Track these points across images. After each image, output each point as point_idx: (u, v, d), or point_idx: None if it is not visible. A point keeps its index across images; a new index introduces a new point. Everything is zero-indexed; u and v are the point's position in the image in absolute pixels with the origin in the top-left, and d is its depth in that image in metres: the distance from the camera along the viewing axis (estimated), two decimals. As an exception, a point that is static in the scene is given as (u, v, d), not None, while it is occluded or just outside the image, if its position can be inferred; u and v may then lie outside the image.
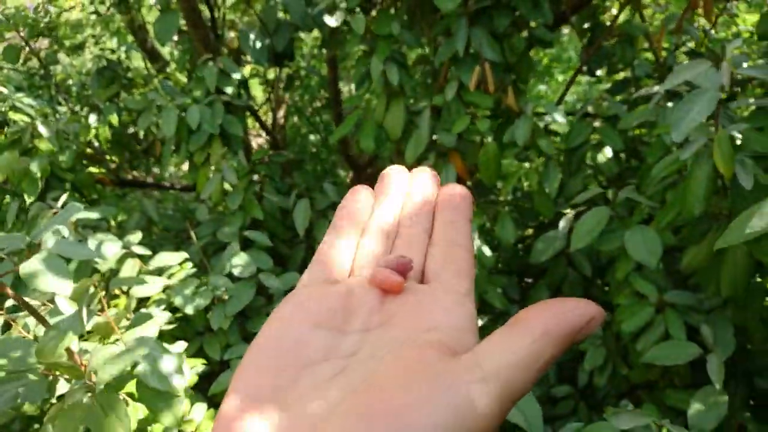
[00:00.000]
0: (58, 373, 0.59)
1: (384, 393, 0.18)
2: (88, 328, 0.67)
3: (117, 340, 0.63)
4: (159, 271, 1.05)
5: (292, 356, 0.21)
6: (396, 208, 0.28)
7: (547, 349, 0.19)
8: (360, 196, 0.29)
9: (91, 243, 1.00)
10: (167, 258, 1.02)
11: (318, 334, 0.22)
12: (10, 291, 0.55)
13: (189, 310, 0.96)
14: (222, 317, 0.99)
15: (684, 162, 0.60)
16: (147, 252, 1.01)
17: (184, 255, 1.04)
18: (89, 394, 0.55)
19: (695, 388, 0.63)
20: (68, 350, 0.61)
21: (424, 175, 0.30)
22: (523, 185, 1.38)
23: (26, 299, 0.56)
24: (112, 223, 1.77)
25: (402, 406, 0.18)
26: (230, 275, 1.03)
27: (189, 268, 1.05)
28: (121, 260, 0.99)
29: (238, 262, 1.02)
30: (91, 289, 0.62)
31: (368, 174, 1.60)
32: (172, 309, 1.01)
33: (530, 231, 1.30)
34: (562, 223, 0.97)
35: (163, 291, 1.01)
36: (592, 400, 1.01)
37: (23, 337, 0.66)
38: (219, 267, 1.04)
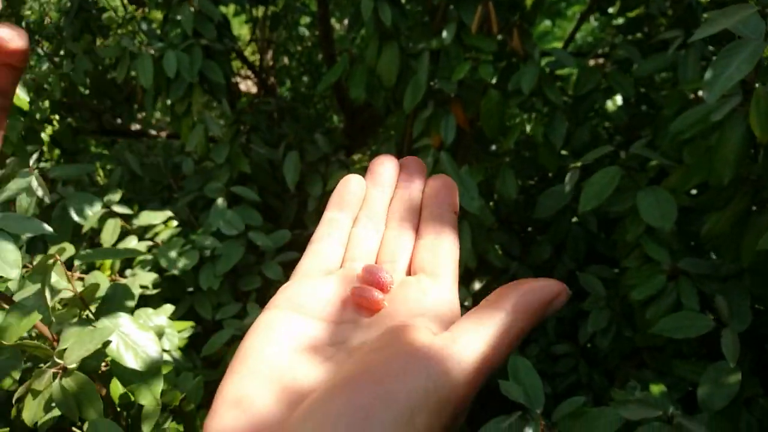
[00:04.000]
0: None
1: (367, 366, 0.20)
2: (58, 302, 0.62)
3: (88, 316, 0.59)
4: (143, 231, 1.00)
5: (285, 346, 0.23)
6: (386, 200, 0.30)
7: (517, 323, 0.21)
8: (351, 186, 0.30)
9: (71, 203, 0.94)
10: (151, 216, 0.97)
11: (309, 326, 0.24)
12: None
13: (176, 271, 0.92)
14: (211, 277, 0.96)
15: (712, 122, 0.53)
16: (128, 211, 0.95)
17: (168, 214, 0.99)
18: (58, 376, 0.52)
19: (705, 360, 0.59)
20: (38, 327, 0.57)
21: (412, 166, 0.31)
22: (526, 133, 1.31)
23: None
24: (100, 174, 1.71)
25: (383, 374, 0.19)
26: (218, 233, 0.98)
27: (174, 226, 1.01)
28: (102, 219, 0.94)
29: (226, 219, 0.97)
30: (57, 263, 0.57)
31: (363, 120, 1.52)
32: (161, 268, 0.97)
33: (532, 182, 1.23)
34: (568, 179, 0.91)
35: (149, 251, 0.97)
36: (593, 358, 0.98)
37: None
38: (206, 225, 1.00)
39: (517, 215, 1.12)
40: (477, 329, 0.21)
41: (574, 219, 1.04)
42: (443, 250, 0.27)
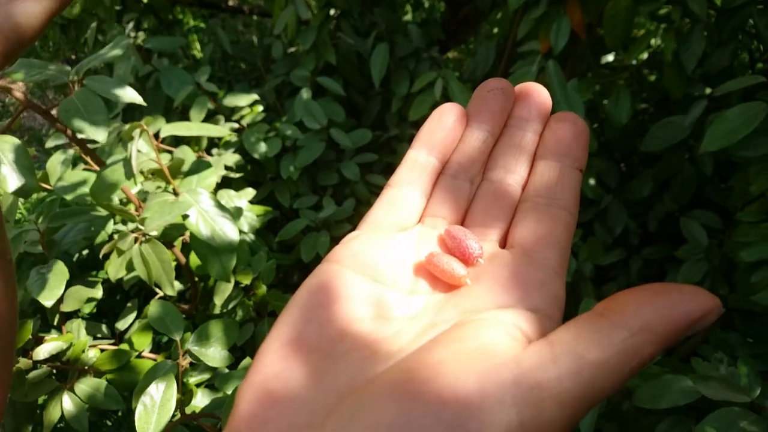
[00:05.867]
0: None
1: (433, 372, 0.15)
2: (145, 172, 0.65)
3: (172, 187, 0.60)
4: (230, 111, 1.01)
5: (340, 309, 0.19)
6: (489, 141, 0.23)
7: (644, 348, 0.15)
8: (447, 118, 0.23)
9: (164, 76, 0.96)
10: (238, 98, 0.97)
11: (373, 292, 0.20)
12: (59, 125, 0.52)
13: (257, 155, 0.93)
14: (291, 167, 0.96)
15: None
16: (217, 90, 0.96)
17: (254, 97, 0.98)
18: (139, 241, 0.55)
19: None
20: (125, 192, 0.60)
21: (531, 98, 0.23)
22: (652, 48, 1.14)
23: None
24: (197, 48, 1.73)
25: (453, 392, 0.15)
26: (301, 124, 0.97)
27: (260, 111, 1.00)
28: (191, 96, 0.95)
29: (309, 111, 0.95)
30: (136, 132, 0.58)
31: (465, 13, 1.38)
32: (245, 151, 0.99)
33: (646, 107, 1.10)
34: (692, 109, 0.79)
35: (234, 132, 0.98)
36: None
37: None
38: (290, 114, 0.98)
39: (621, 143, 1.01)
40: (586, 349, 0.15)
41: (687, 156, 0.92)
42: (554, 221, 0.21)
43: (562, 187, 0.21)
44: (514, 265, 0.20)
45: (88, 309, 0.68)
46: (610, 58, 1.03)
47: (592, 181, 0.94)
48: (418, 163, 0.23)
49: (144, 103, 0.48)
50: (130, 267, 0.58)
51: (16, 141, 0.44)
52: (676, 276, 0.80)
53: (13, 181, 0.42)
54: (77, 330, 0.59)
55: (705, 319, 0.15)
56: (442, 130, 0.23)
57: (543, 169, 0.22)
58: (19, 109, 0.45)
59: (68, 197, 0.63)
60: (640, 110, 1.09)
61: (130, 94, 0.46)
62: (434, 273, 0.20)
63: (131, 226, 0.58)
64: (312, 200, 0.97)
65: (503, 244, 0.22)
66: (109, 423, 0.88)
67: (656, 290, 0.16)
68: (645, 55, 1.15)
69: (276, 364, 0.17)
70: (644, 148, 0.82)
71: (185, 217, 0.56)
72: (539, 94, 0.23)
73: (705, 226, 0.82)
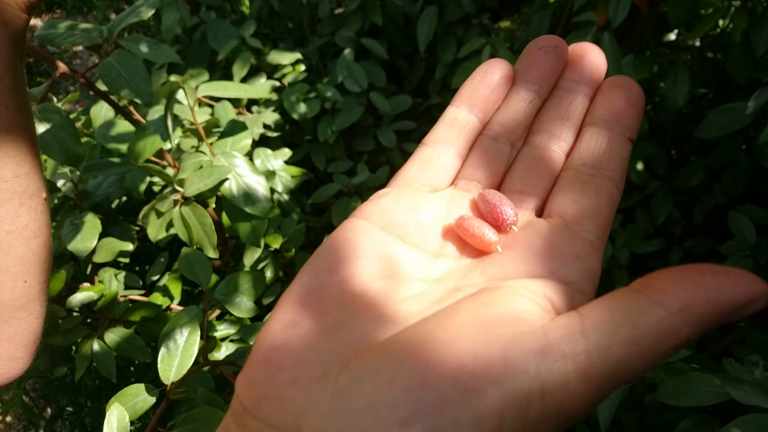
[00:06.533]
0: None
1: (455, 334, 0.15)
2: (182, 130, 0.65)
3: (206, 147, 0.61)
4: (273, 69, 1.00)
5: (362, 265, 0.18)
6: (534, 104, 0.22)
7: (682, 330, 0.14)
8: (492, 74, 0.22)
9: (210, 29, 0.95)
10: (280, 56, 0.96)
11: (398, 251, 0.19)
12: (84, 82, 0.52)
13: (295, 115, 0.93)
14: (329, 130, 0.95)
15: None
16: (260, 46, 0.95)
17: (297, 56, 0.97)
18: (179, 203, 0.56)
19: None
20: (161, 151, 0.61)
21: (585, 59, 0.22)
22: (719, 28, 1.06)
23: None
24: (246, 3, 1.71)
25: (473, 355, 0.14)
26: (341, 87, 0.95)
27: (302, 71, 0.99)
28: (235, 51, 0.95)
29: (350, 72, 0.93)
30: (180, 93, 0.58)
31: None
32: (285, 111, 0.99)
33: (705, 91, 1.03)
34: (755, 96, 0.74)
35: (275, 91, 0.98)
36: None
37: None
38: (331, 76, 0.97)
39: (674, 127, 0.96)
40: (619, 325, 0.14)
41: (744, 146, 0.87)
42: (598, 192, 0.19)
43: (609, 157, 0.20)
44: (549, 234, 0.19)
45: (123, 258, 0.70)
46: (672, 36, 0.97)
47: (639, 166, 0.90)
48: (457, 121, 0.22)
49: (181, 62, 0.48)
50: (168, 227, 0.60)
51: (60, 110, 0.44)
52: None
53: (60, 151, 0.43)
54: (109, 280, 0.61)
55: (751, 306, 0.14)
56: (486, 87, 0.22)
57: (591, 137, 0.21)
58: (54, 76, 0.46)
59: (108, 146, 0.64)
60: (698, 95, 1.03)
61: (167, 54, 0.46)
62: (464, 237, 0.20)
63: (168, 187, 0.59)
64: (347, 165, 0.97)
65: (540, 213, 0.21)
66: (132, 369, 0.92)
67: (701, 270, 0.15)
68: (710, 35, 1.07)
69: (295, 312, 0.17)
70: (698, 135, 0.78)
71: (222, 182, 0.57)
72: (595, 55, 0.22)
73: (755, 223, 0.77)
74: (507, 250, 0.19)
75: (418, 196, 0.21)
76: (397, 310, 0.17)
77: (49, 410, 1.10)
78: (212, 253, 0.55)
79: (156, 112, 0.63)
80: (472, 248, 0.19)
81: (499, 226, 0.19)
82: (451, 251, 0.20)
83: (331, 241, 0.19)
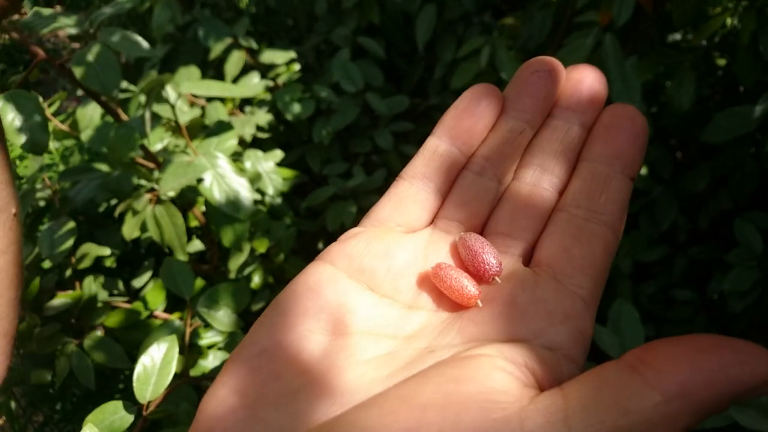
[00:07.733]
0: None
1: (413, 423, 0.13)
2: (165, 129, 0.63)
3: (187, 148, 0.58)
4: (266, 68, 0.98)
5: (324, 320, 0.16)
6: (525, 135, 0.19)
7: (679, 418, 0.12)
8: (479, 103, 0.19)
9: (202, 27, 0.93)
10: (274, 55, 0.94)
11: (366, 302, 0.17)
12: (60, 70, 0.50)
13: (289, 116, 0.91)
14: (324, 131, 0.93)
15: None
16: (254, 45, 0.93)
17: (291, 55, 0.95)
18: (153, 202, 0.53)
19: None
20: (143, 148, 0.59)
21: (583, 84, 0.19)
22: (726, 28, 1.03)
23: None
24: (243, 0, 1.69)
25: None
26: (337, 87, 0.93)
27: (296, 70, 0.97)
28: (228, 50, 0.93)
29: (346, 72, 0.91)
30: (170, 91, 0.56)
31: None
32: (279, 111, 0.96)
33: (712, 93, 1.00)
34: (763, 99, 0.71)
35: (268, 91, 0.96)
36: (717, 314, 0.85)
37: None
38: (327, 76, 0.95)
39: (680, 130, 0.93)
40: (606, 412, 0.12)
41: (751, 151, 0.84)
42: (592, 239, 0.17)
43: (606, 198, 0.18)
44: (536, 288, 0.17)
45: (109, 262, 0.68)
46: (678, 37, 0.94)
47: (643, 170, 0.88)
48: (437, 153, 0.19)
49: (155, 56, 0.45)
50: (144, 228, 0.57)
51: (30, 95, 0.42)
52: (722, 282, 0.73)
53: (24, 137, 0.41)
54: (88, 287, 0.59)
55: (763, 388, 0.12)
56: (471, 116, 0.19)
57: (587, 174, 0.18)
58: (34, 61, 0.44)
59: (95, 148, 0.62)
60: (704, 97, 1.00)
61: (142, 49, 0.44)
62: (441, 288, 0.17)
63: (148, 185, 0.56)
64: (342, 167, 0.95)
65: (528, 258, 0.18)
66: (122, 377, 0.90)
67: (703, 344, 0.13)
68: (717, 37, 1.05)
69: (243, 377, 0.15)
70: (704, 139, 0.75)
71: (200, 180, 0.54)
72: (594, 80, 0.19)
73: (762, 231, 0.75)
74: (488, 305, 0.17)
75: (391, 239, 0.19)
76: (359, 376, 0.15)
77: (41, 417, 1.08)
78: (182, 256, 0.52)
79: (141, 111, 0.61)
80: (450, 300, 0.17)
81: (480, 276, 0.17)
82: (426, 302, 0.18)
83: (291, 288, 0.17)
